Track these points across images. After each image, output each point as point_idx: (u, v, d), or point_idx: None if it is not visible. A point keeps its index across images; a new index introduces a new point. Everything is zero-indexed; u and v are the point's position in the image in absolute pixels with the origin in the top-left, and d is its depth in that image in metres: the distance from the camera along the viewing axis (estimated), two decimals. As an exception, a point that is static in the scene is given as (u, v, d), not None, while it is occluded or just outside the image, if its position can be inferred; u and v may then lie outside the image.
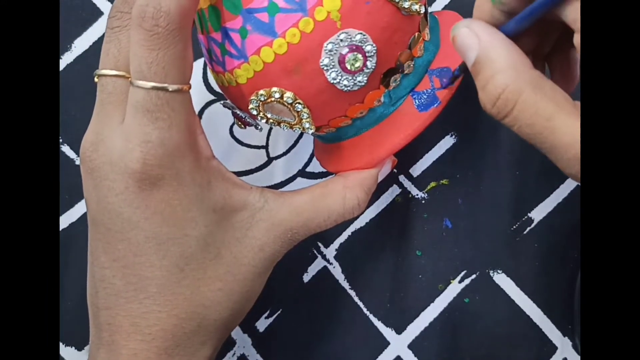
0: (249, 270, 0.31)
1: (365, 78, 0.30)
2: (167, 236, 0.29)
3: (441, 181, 0.40)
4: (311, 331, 0.39)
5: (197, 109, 0.41)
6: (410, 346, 0.39)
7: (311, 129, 0.31)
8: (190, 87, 0.29)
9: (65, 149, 0.41)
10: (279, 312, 0.39)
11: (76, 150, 0.41)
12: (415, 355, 0.39)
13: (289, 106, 0.30)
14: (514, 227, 0.39)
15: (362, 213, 0.35)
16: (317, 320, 0.39)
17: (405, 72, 0.31)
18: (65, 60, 0.42)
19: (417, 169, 0.40)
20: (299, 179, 0.41)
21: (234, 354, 0.39)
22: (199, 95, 0.34)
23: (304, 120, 0.31)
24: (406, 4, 0.29)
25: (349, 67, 0.29)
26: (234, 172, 0.41)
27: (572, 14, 0.24)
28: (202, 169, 0.30)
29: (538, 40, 0.30)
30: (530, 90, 0.25)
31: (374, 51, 0.29)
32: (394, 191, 0.40)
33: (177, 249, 0.29)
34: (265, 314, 0.39)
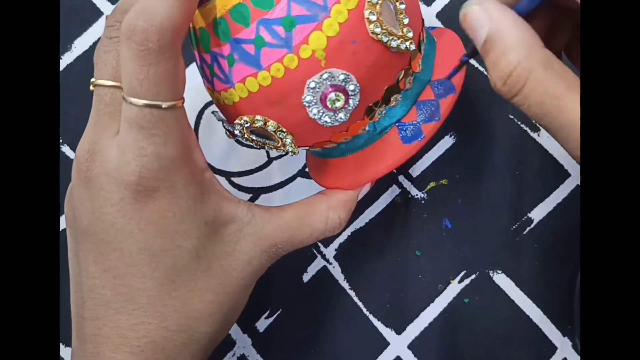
0: (238, 283, 0.31)
1: (348, 115, 0.30)
2: (160, 247, 0.29)
3: (440, 181, 0.40)
4: (311, 331, 0.39)
5: (197, 108, 0.41)
6: (410, 346, 0.39)
7: (295, 152, 0.31)
8: (184, 102, 0.29)
9: (65, 149, 0.41)
10: (279, 312, 0.39)
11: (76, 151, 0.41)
12: (415, 356, 0.39)
13: (272, 133, 0.30)
14: (514, 227, 0.39)
15: (343, 231, 0.37)
16: (316, 320, 0.39)
17: (392, 104, 0.31)
18: (65, 60, 0.42)
19: (416, 169, 0.40)
20: (298, 179, 0.41)
21: (234, 354, 0.39)
22: (198, 94, 0.34)
23: (287, 145, 0.31)
24: (394, 43, 0.29)
25: (330, 106, 0.29)
26: (234, 172, 0.41)
27: None
28: (196, 182, 0.30)
29: (548, 26, 0.30)
30: (541, 68, 0.24)
31: (358, 90, 0.29)
32: (393, 191, 0.40)
33: (169, 261, 0.29)
34: (265, 314, 0.39)
